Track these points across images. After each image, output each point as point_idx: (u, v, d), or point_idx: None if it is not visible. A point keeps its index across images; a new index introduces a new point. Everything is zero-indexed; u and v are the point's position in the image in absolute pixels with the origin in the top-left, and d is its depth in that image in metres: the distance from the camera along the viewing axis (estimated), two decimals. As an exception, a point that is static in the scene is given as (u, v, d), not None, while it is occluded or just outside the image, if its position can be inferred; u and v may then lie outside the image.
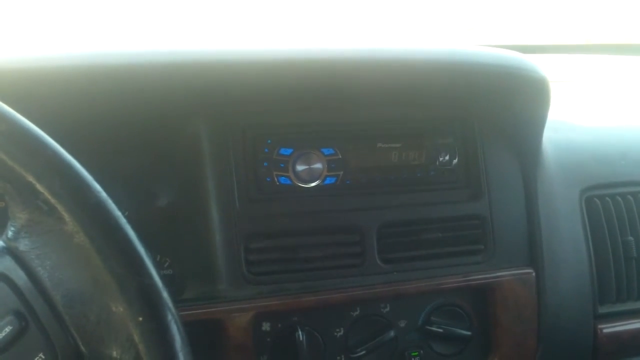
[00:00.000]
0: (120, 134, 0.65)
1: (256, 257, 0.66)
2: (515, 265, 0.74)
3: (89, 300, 0.37)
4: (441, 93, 0.72)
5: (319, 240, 0.68)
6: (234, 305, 0.64)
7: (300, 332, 0.65)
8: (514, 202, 0.75)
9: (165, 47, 0.63)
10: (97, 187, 0.37)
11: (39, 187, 0.35)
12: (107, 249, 0.36)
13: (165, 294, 0.36)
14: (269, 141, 0.68)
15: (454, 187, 0.74)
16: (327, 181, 0.70)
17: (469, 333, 0.72)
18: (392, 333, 0.70)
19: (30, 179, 0.35)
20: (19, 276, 0.38)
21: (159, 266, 0.39)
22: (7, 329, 0.37)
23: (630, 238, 0.80)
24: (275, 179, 0.68)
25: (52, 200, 0.35)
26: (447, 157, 0.74)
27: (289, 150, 0.69)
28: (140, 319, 0.35)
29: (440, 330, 0.71)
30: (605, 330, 0.77)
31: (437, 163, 0.73)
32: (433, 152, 0.73)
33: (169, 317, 0.36)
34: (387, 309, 0.71)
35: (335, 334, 0.69)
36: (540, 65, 0.71)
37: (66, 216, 0.36)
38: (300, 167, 0.69)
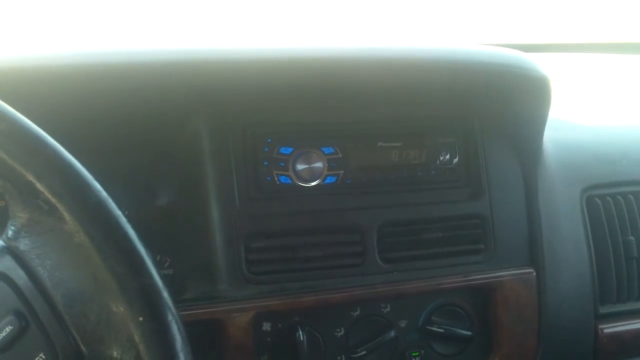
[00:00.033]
0: (120, 133, 0.65)
1: (256, 257, 0.66)
2: (516, 265, 0.74)
3: (89, 300, 0.37)
4: (442, 92, 0.72)
5: (320, 239, 0.68)
6: (234, 305, 0.64)
7: (300, 332, 0.65)
8: (514, 202, 0.75)
9: (165, 46, 0.63)
10: (97, 186, 0.36)
11: (39, 186, 0.35)
12: (107, 249, 0.35)
13: (165, 294, 0.36)
14: (269, 140, 0.68)
15: (455, 186, 0.74)
16: (328, 180, 0.70)
17: (469, 333, 0.72)
18: (392, 333, 0.70)
19: (31, 178, 0.35)
20: (19, 276, 0.38)
21: (159, 266, 0.39)
22: (8, 329, 0.37)
23: (631, 238, 0.79)
24: (276, 178, 0.68)
25: (53, 200, 0.35)
26: (447, 156, 0.74)
27: (289, 149, 0.68)
28: (141, 318, 0.35)
29: (441, 330, 0.71)
30: (606, 331, 0.77)
31: (438, 162, 0.73)
32: (433, 151, 0.73)
33: (170, 317, 0.36)
34: (388, 309, 0.71)
35: (336, 334, 0.69)
36: (541, 64, 0.71)
37: (66, 215, 0.35)
38: (300, 166, 0.69)
